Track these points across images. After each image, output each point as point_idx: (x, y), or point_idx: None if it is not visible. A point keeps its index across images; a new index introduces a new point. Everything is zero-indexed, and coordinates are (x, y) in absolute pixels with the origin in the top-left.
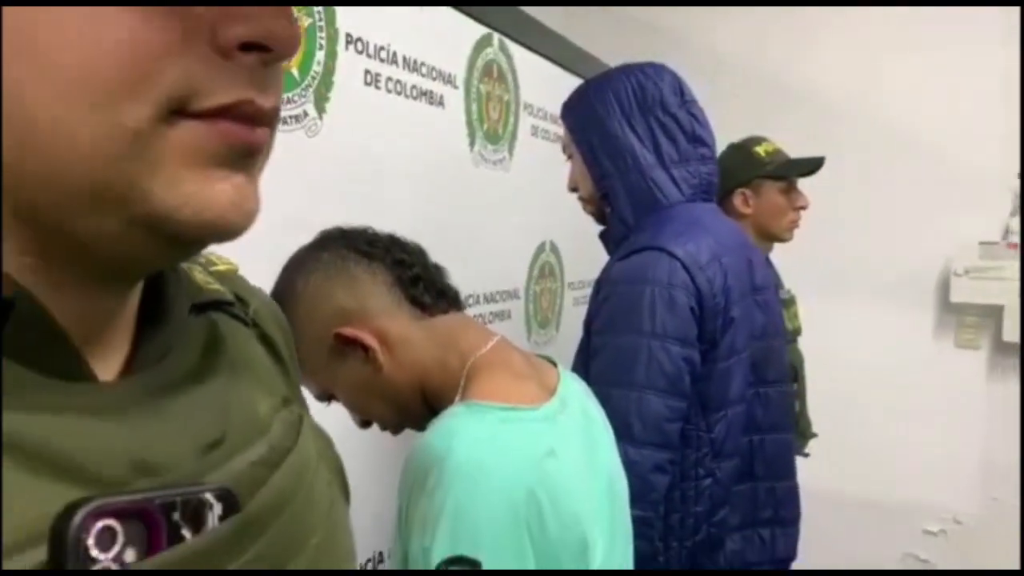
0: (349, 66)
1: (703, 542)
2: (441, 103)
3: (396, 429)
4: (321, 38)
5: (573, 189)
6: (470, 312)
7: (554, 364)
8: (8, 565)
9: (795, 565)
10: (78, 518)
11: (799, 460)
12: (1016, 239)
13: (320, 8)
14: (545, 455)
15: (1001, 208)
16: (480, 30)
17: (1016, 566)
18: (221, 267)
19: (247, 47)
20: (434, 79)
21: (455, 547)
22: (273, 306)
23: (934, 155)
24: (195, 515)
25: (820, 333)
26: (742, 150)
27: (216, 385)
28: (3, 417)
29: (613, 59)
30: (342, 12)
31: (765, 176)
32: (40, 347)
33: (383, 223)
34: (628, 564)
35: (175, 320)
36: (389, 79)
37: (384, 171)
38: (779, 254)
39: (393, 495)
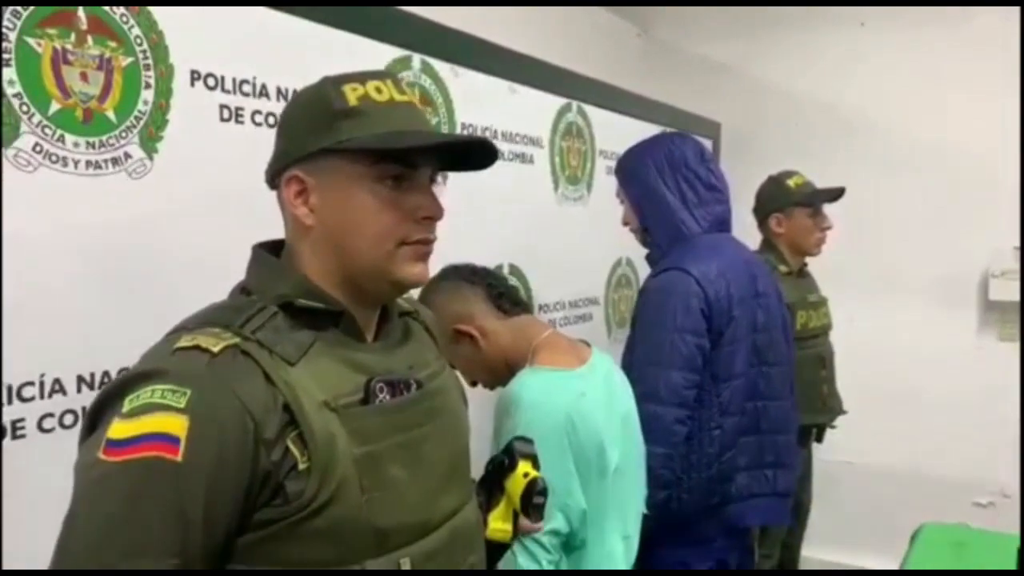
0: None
1: (715, 476)
2: (532, 161)
3: (491, 387)
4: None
5: (625, 224)
6: (558, 314)
7: (589, 346)
8: (345, 403)
9: (859, 534)
10: (373, 382)
11: (856, 437)
12: None
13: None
14: (578, 396)
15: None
16: (560, 100)
17: None
18: (406, 302)
19: (426, 218)
20: (525, 144)
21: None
22: (430, 314)
23: (973, 169)
24: (407, 387)
25: (878, 328)
26: (776, 182)
27: (410, 347)
28: (345, 354)
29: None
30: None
31: (795, 204)
32: (350, 329)
33: (489, 251)
34: (642, 474)
35: (393, 317)
36: None
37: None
38: (833, 261)
39: (484, 428)
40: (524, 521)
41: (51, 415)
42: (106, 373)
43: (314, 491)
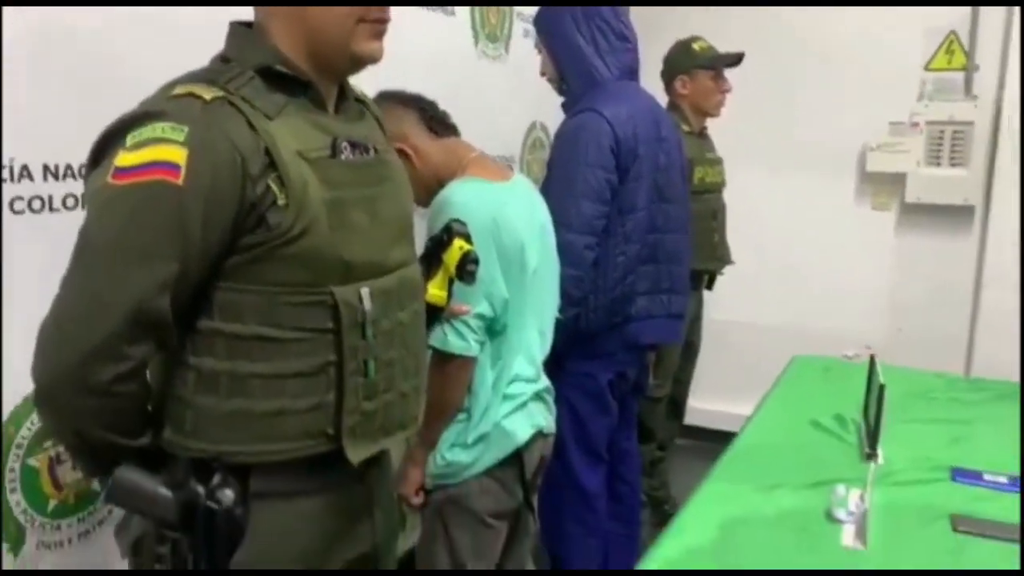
0: None
1: (618, 298)
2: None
3: (424, 204)
4: None
5: (543, 74)
6: None
7: (513, 170)
8: (315, 156)
9: (741, 386)
10: (339, 140)
11: (741, 294)
12: (919, 119)
13: None
14: (502, 204)
15: (908, 94)
16: None
17: None
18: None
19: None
20: None
21: None
22: (377, 109)
23: (855, 53)
24: (366, 150)
25: (757, 193)
26: (683, 45)
27: (365, 123)
28: (313, 118)
29: None
30: None
31: (699, 66)
32: (315, 97)
33: None
34: (556, 282)
35: (350, 97)
36: None
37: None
38: (722, 128)
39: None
40: (454, 305)
41: (20, 198)
42: (68, 166)
43: (291, 223)
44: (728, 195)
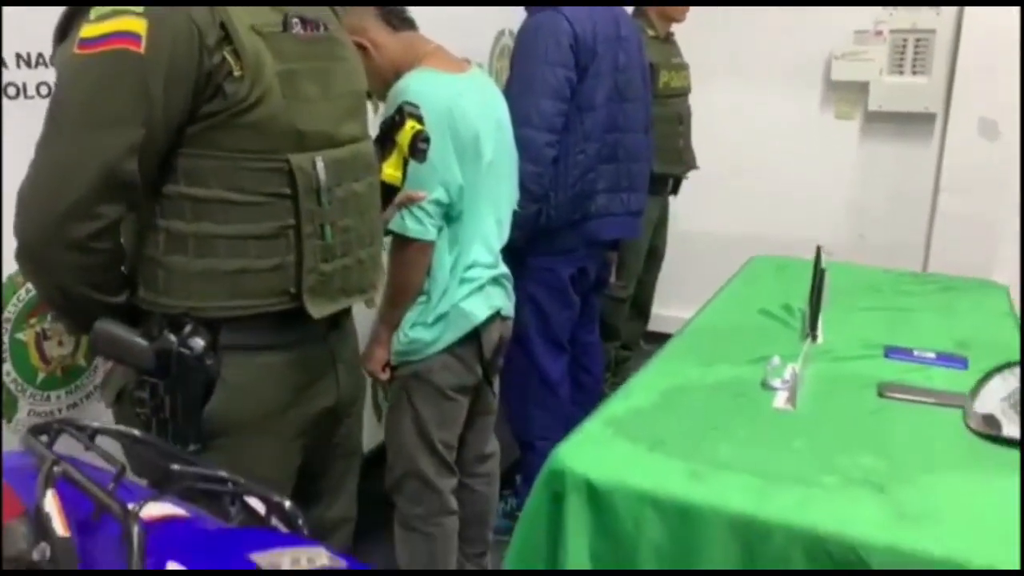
0: None
1: (578, 195)
2: None
3: (383, 97)
4: None
5: None
6: None
7: (471, 64)
8: (268, 30)
9: (705, 291)
10: (289, 16)
11: (705, 202)
12: (883, 28)
13: None
14: (457, 94)
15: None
16: None
17: None
18: None
19: None
20: None
21: None
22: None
23: None
24: (317, 27)
25: (722, 102)
26: None
27: (319, 8)
28: None
29: None
30: None
31: None
32: None
33: None
34: (514, 175)
35: None
36: None
37: None
38: (688, 36)
39: None
40: (411, 191)
41: None
42: (40, 54)
43: (246, 92)
44: (694, 103)
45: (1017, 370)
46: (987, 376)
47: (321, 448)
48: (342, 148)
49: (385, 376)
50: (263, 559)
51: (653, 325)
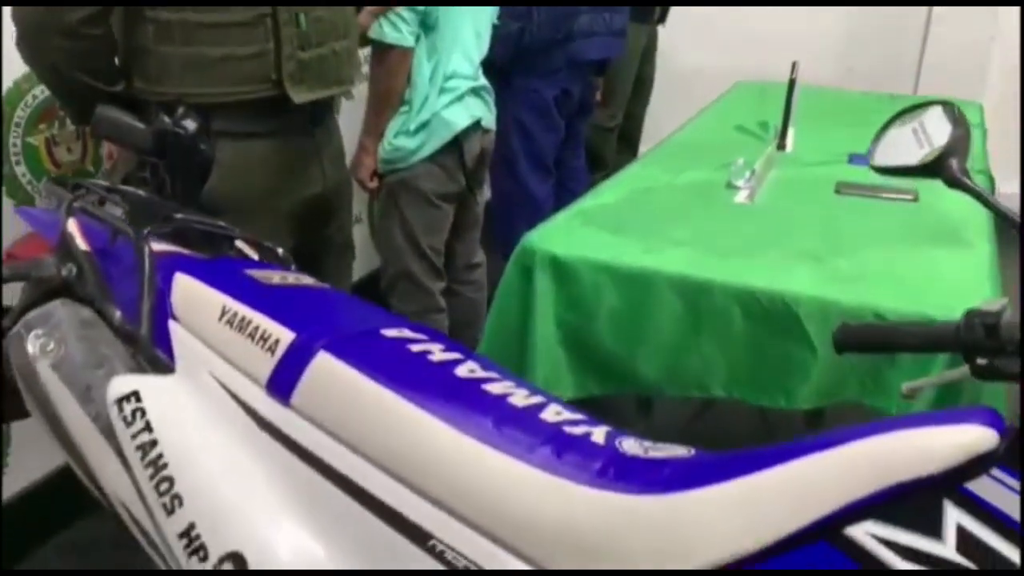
0: None
1: (561, 14)
2: None
3: None
4: None
5: None
6: None
7: None
8: None
9: (685, 102)
10: None
11: (691, 33)
12: None
13: None
14: None
15: None
16: None
17: None
18: None
19: None
20: None
21: None
22: None
23: None
24: None
25: None
26: None
27: None
28: None
29: None
30: None
31: None
32: None
33: None
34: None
35: None
36: None
37: None
38: None
39: None
40: None
41: None
42: None
43: None
44: None
45: (915, 113)
46: (886, 126)
47: (315, 239)
48: None
49: (373, 184)
50: (258, 274)
51: None
